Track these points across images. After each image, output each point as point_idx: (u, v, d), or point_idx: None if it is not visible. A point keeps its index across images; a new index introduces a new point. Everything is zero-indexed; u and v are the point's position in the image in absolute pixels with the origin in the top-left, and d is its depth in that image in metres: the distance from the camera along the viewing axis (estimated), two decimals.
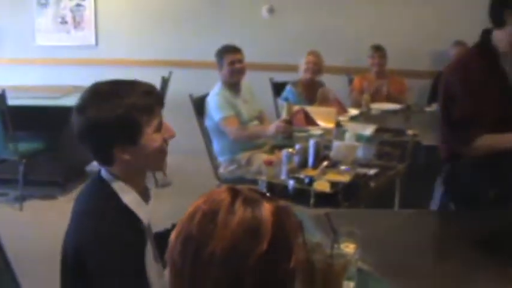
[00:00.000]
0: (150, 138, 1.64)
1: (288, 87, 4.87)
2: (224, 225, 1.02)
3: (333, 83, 5.32)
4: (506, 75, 2.42)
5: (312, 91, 4.89)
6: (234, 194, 1.07)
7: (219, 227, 1.02)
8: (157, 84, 5.03)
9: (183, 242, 1.06)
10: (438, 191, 2.73)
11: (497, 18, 2.36)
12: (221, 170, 4.05)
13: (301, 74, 4.95)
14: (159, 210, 4.36)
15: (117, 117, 1.57)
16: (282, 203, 1.11)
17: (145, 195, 1.73)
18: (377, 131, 3.49)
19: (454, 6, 5.51)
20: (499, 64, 2.42)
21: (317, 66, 4.93)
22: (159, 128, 1.67)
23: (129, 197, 1.65)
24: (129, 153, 1.61)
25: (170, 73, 5.46)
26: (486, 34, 2.46)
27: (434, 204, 2.90)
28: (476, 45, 2.52)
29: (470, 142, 2.40)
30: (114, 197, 1.63)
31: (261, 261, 1.01)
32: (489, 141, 2.39)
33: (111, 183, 1.64)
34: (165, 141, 1.70)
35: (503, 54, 2.41)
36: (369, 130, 3.41)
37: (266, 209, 1.05)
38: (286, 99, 4.59)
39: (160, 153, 1.70)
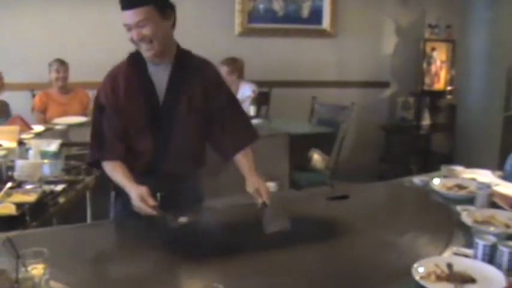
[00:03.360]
0: None
1: None
2: None
3: (15, 101, 5.14)
4: (153, 85, 2.39)
5: None
6: None
7: None
8: None
9: None
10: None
11: None
12: None
13: None
14: None
15: None
16: None
17: None
18: (63, 145, 3.47)
19: None
20: (147, 73, 2.39)
21: None
22: None
23: None
24: None
25: None
26: None
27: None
28: (129, 54, 2.44)
29: (104, 160, 2.40)
30: None
31: None
32: (113, 173, 2.38)
33: None
34: None
35: (152, 63, 2.38)
36: (53, 146, 3.36)
37: None
38: None
39: None
